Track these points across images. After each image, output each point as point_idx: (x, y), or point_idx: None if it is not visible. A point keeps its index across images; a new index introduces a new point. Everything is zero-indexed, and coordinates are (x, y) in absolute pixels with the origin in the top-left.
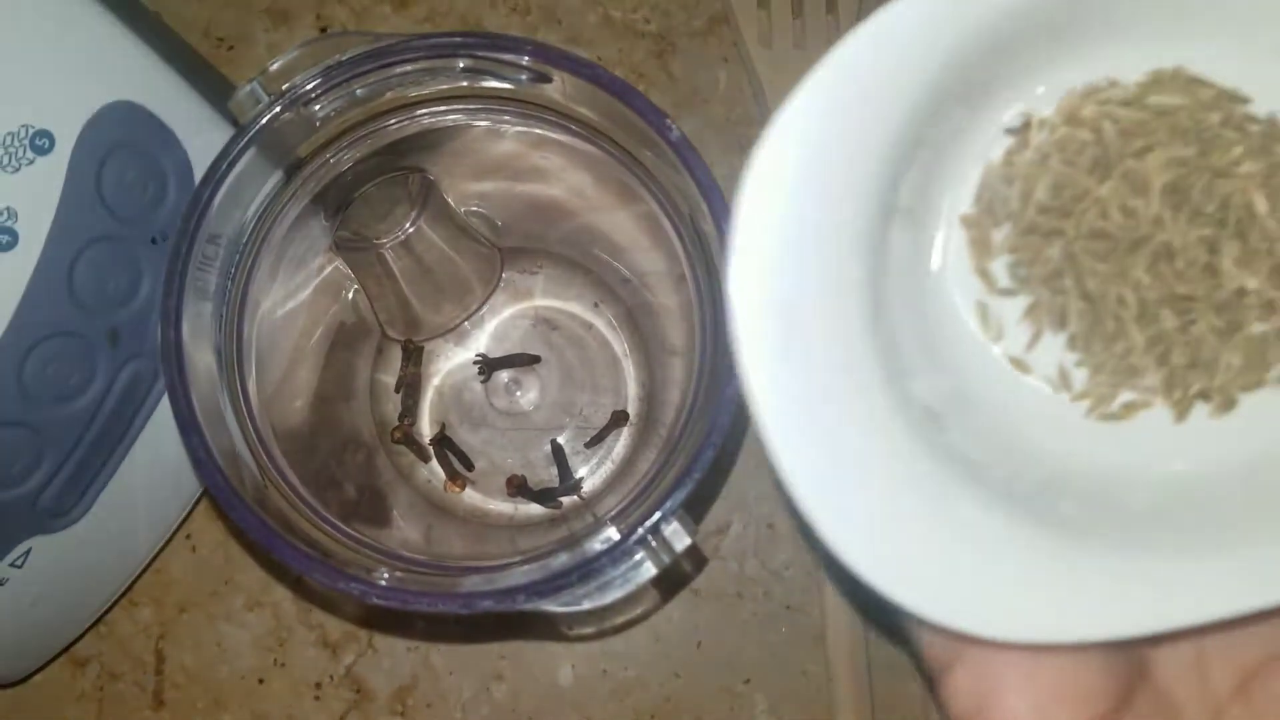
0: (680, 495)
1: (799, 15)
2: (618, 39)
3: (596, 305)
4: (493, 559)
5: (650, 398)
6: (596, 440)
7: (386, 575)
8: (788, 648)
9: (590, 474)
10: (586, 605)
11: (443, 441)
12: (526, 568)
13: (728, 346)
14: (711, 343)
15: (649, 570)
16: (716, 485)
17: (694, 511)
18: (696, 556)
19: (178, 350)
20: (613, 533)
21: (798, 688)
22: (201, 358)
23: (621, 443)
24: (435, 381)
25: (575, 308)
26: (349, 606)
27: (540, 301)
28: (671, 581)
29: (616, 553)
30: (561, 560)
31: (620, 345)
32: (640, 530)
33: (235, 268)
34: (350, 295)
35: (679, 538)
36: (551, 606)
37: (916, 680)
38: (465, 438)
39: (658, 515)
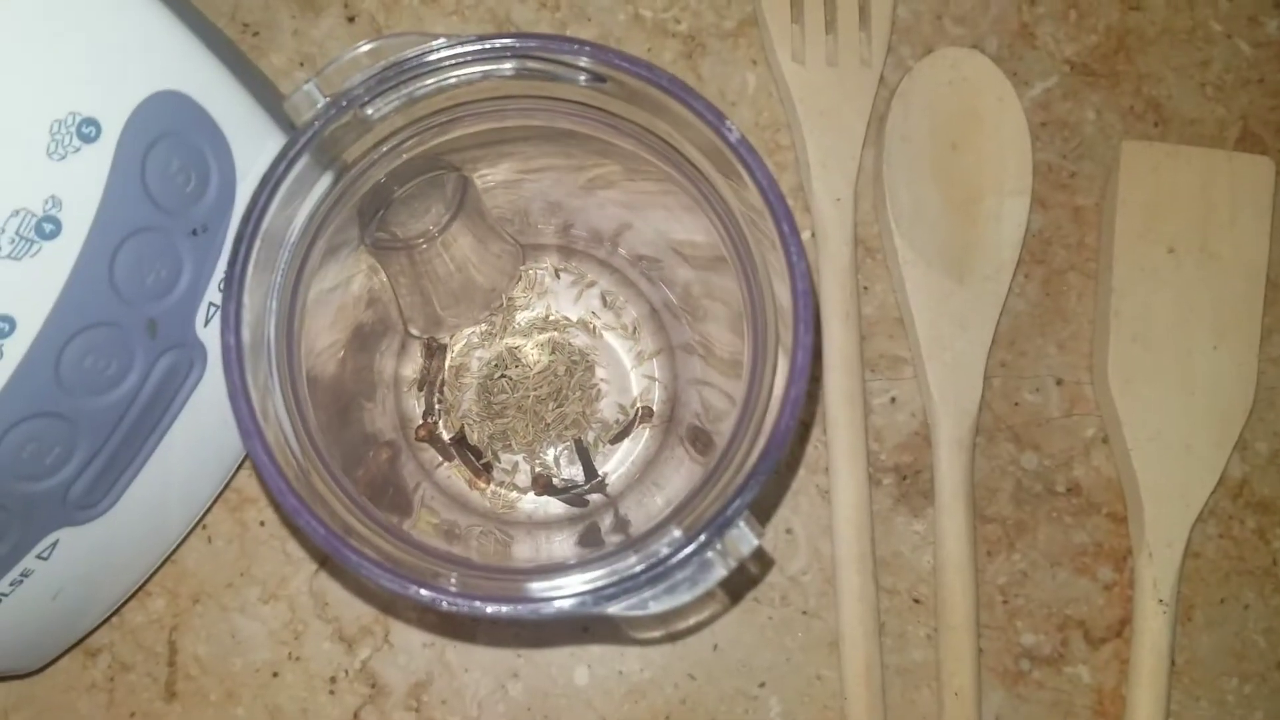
0: (748, 496)
1: (832, 31)
2: (648, 38)
3: (618, 303)
4: (521, 560)
5: (673, 399)
6: (621, 436)
7: (455, 579)
8: (802, 653)
9: (611, 473)
10: (654, 609)
11: (461, 442)
12: (592, 572)
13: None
14: (766, 337)
15: (718, 573)
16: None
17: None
18: (763, 559)
19: (239, 354)
20: (678, 534)
21: (812, 692)
22: (255, 357)
23: (642, 443)
24: (456, 378)
25: (596, 306)
26: (368, 599)
27: (560, 298)
28: (737, 585)
29: (684, 555)
30: (628, 563)
31: (640, 344)
32: (706, 532)
33: (286, 268)
34: (372, 293)
35: (745, 540)
36: (618, 610)
37: (929, 687)
38: (488, 433)
39: (725, 516)
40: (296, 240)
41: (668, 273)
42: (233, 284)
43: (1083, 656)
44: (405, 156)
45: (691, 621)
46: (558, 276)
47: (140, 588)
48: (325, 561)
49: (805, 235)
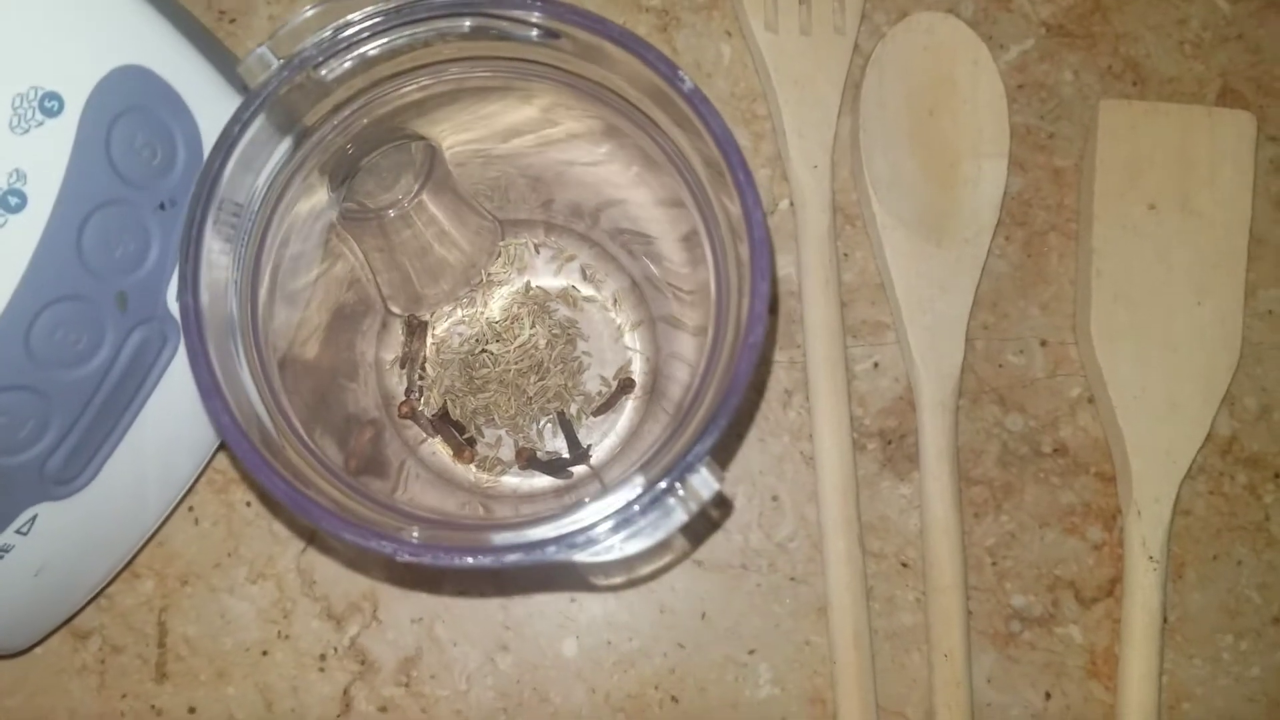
0: (708, 441)
1: (805, 1)
2: (621, 12)
3: (598, 277)
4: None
5: (655, 370)
6: (604, 408)
7: (417, 532)
8: (791, 619)
9: (595, 445)
10: (616, 554)
11: (444, 418)
12: (555, 521)
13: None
14: (729, 292)
15: (679, 518)
16: (726, 456)
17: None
18: (724, 504)
19: (197, 315)
20: (641, 480)
21: (801, 658)
22: (218, 323)
23: (626, 415)
24: (437, 355)
25: (576, 279)
26: (359, 574)
27: (540, 273)
28: (700, 530)
29: (645, 500)
30: (591, 510)
31: (621, 316)
32: (668, 478)
33: (248, 235)
34: (353, 273)
35: (706, 485)
36: (581, 557)
37: (919, 651)
38: (470, 409)
39: (686, 461)
40: (258, 208)
41: (646, 246)
42: (189, 246)
43: (1074, 616)
44: (365, 121)
45: (654, 566)
46: (537, 251)
47: (126, 568)
48: (312, 539)
49: (784, 204)
